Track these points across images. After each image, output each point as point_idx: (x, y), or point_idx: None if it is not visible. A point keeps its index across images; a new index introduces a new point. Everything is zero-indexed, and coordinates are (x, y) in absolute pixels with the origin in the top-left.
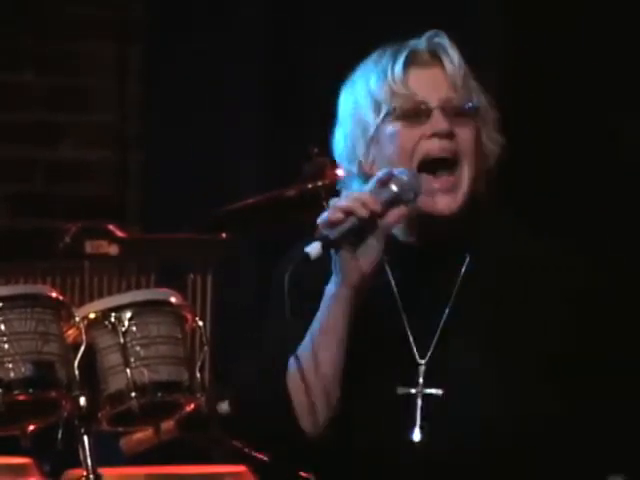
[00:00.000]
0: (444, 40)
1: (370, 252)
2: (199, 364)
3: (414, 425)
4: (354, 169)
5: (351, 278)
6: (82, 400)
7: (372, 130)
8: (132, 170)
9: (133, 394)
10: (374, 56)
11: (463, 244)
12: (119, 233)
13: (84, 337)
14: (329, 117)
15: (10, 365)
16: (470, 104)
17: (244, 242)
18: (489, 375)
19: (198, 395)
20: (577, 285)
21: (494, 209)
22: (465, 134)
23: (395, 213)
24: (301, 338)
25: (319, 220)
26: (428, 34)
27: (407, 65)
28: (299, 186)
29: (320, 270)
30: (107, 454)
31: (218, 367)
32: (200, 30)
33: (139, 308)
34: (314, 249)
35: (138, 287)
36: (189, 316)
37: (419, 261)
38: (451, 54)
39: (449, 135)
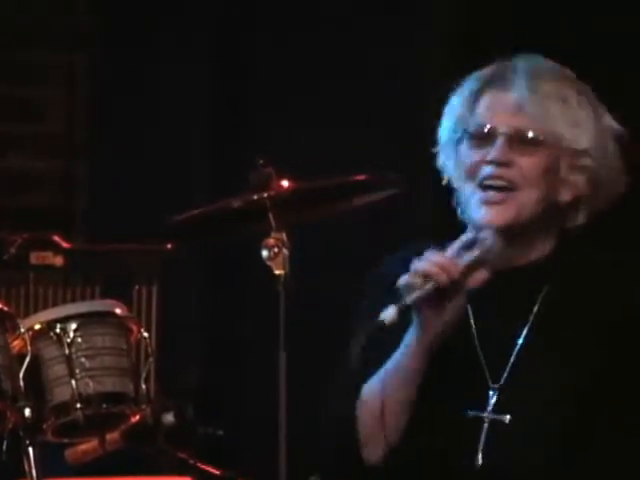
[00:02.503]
0: (529, 64)
1: (450, 312)
2: (144, 375)
3: (478, 449)
4: (453, 183)
5: (430, 334)
6: (27, 411)
7: (455, 150)
8: (79, 180)
9: (78, 405)
10: (472, 76)
11: (544, 272)
12: (64, 244)
13: (29, 348)
14: (280, 126)
15: None
16: (543, 136)
17: (190, 252)
18: (557, 407)
19: (143, 406)
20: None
21: (583, 241)
22: (528, 163)
23: (477, 278)
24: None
25: (400, 282)
26: (519, 57)
27: (485, 88)
28: (245, 197)
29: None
30: (52, 465)
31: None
32: (150, 40)
33: (84, 319)
34: (389, 315)
35: (83, 298)
36: (134, 327)
37: (497, 286)
38: (532, 79)
39: (506, 164)
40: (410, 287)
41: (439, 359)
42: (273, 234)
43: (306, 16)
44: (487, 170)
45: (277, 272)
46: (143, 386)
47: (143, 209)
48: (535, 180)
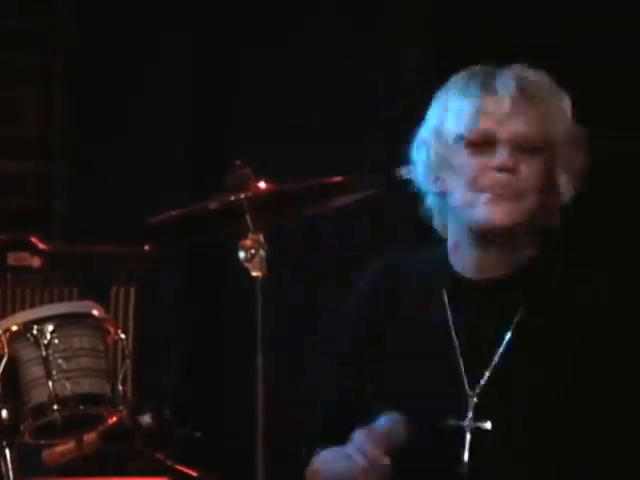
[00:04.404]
0: (525, 71)
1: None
2: (121, 376)
3: (462, 457)
4: (430, 186)
5: None
6: (4, 413)
7: (445, 153)
8: (57, 181)
9: (55, 406)
10: (458, 78)
11: (526, 280)
12: (42, 245)
13: (6, 349)
14: (261, 128)
15: None
16: (541, 140)
17: (168, 254)
18: (537, 412)
19: (120, 407)
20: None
21: (559, 246)
22: (530, 170)
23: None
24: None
25: None
26: (513, 65)
27: (483, 93)
28: (222, 198)
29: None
30: (29, 466)
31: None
32: (127, 43)
33: (61, 321)
34: None
35: (61, 299)
36: (111, 329)
37: (478, 295)
38: (530, 86)
39: (511, 170)
40: None
41: (419, 370)
42: (250, 235)
43: (289, 19)
44: (493, 177)
45: (254, 274)
46: (120, 387)
47: (121, 210)
48: (535, 185)
